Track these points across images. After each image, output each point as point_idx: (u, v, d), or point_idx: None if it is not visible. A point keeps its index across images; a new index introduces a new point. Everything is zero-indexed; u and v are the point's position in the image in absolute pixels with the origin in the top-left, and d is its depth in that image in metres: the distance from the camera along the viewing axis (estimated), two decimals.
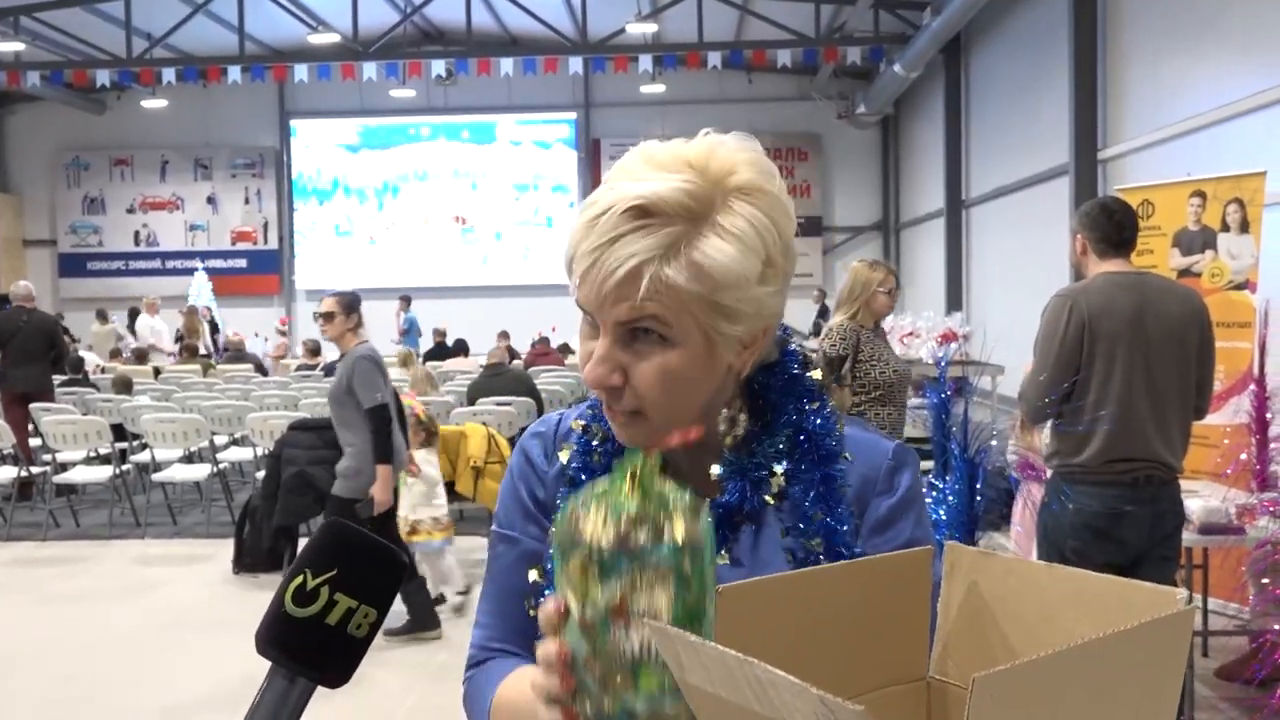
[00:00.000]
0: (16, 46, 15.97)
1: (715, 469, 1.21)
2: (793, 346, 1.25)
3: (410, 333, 18.61)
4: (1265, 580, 3.28)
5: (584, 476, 1.22)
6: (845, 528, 1.18)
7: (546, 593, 1.19)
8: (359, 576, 0.90)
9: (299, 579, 0.89)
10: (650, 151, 1.12)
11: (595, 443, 1.25)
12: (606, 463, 1.22)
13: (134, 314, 19.49)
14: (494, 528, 1.33)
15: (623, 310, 1.09)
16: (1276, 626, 3.29)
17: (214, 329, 18.70)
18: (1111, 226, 3.83)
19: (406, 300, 19.47)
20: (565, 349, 15.21)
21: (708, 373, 1.15)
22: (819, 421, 1.21)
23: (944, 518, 3.58)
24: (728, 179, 1.10)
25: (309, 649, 0.89)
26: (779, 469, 1.19)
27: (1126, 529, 3.69)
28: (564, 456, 1.26)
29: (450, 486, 7.12)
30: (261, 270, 22.86)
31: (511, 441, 7.73)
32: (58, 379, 10.51)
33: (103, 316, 18.69)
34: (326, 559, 0.90)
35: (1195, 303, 3.88)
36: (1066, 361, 3.72)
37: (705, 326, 1.11)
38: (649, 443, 1.13)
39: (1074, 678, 0.76)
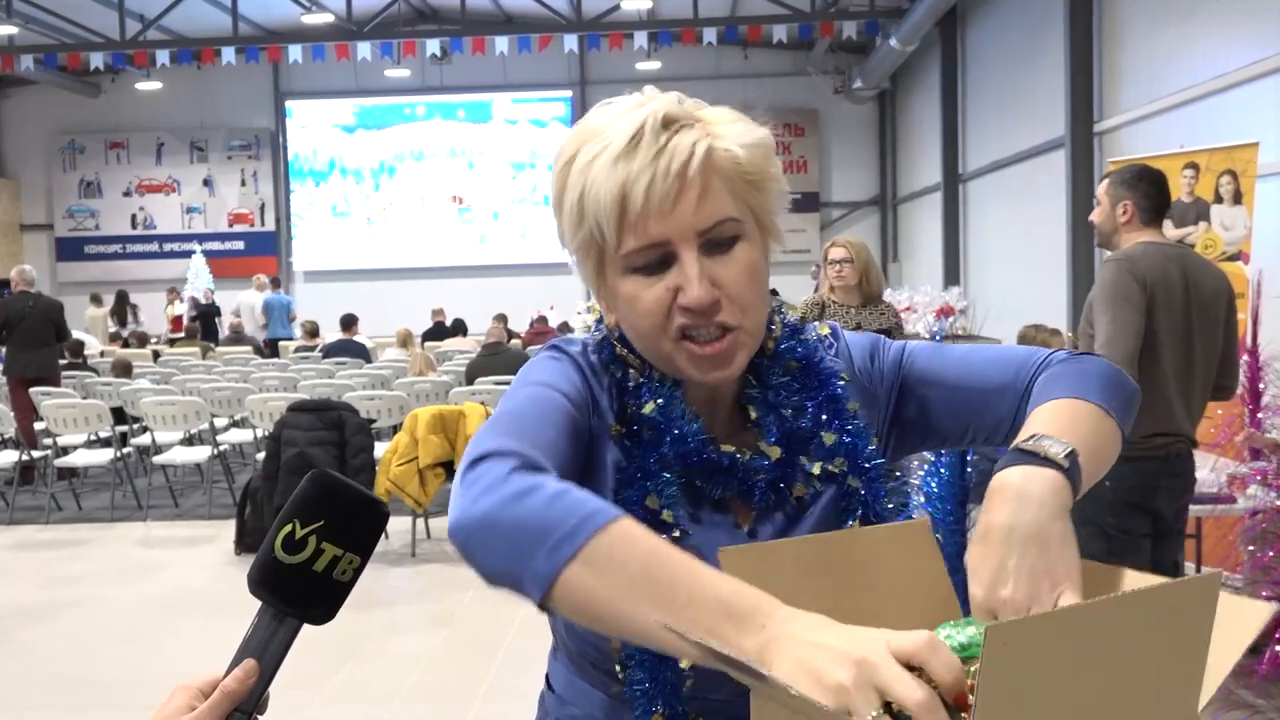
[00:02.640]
0: (10, 30, 15.91)
1: (752, 411, 1.23)
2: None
3: (274, 316, 17.35)
4: (1252, 547, 3.32)
5: (675, 430, 1.17)
6: (865, 444, 1.21)
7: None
8: (344, 526, 0.97)
9: (288, 528, 0.95)
10: (606, 104, 1.15)
11: (648, 413, 1.17)
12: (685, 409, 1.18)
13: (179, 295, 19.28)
14: (535, 381, 1.15)
15: (700, 213, 1.09)
16: (1265, 593, 3.33)
17: (215, 312, 18.70)
18: (1161, 196, 3.82)
19: (274, 282, 18.71)
20: (565, 328, 15.24)
21: (766, 270, 1.17)
22: (808, 345, 1.25)
23: (936, 490, 3.62)
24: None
25: (296, 593, 0.96)
26: (793, 396, 1.22)
27: (1161, 503, 3.70)
28: (648, 409, 1.17)
29: (450, 466, 7.16)
30: (259, 252, 22.83)
31: None
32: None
33: (97, 300, 18.70)
34: (314, 510, 0.96)
35: (1224, 279, 3.88)
36: (1139, 323, 3.63)
37: (754, 209, 1.14)
38: (736, 365, 1.15)
39: (1094, 632, 0.76)
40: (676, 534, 1.13)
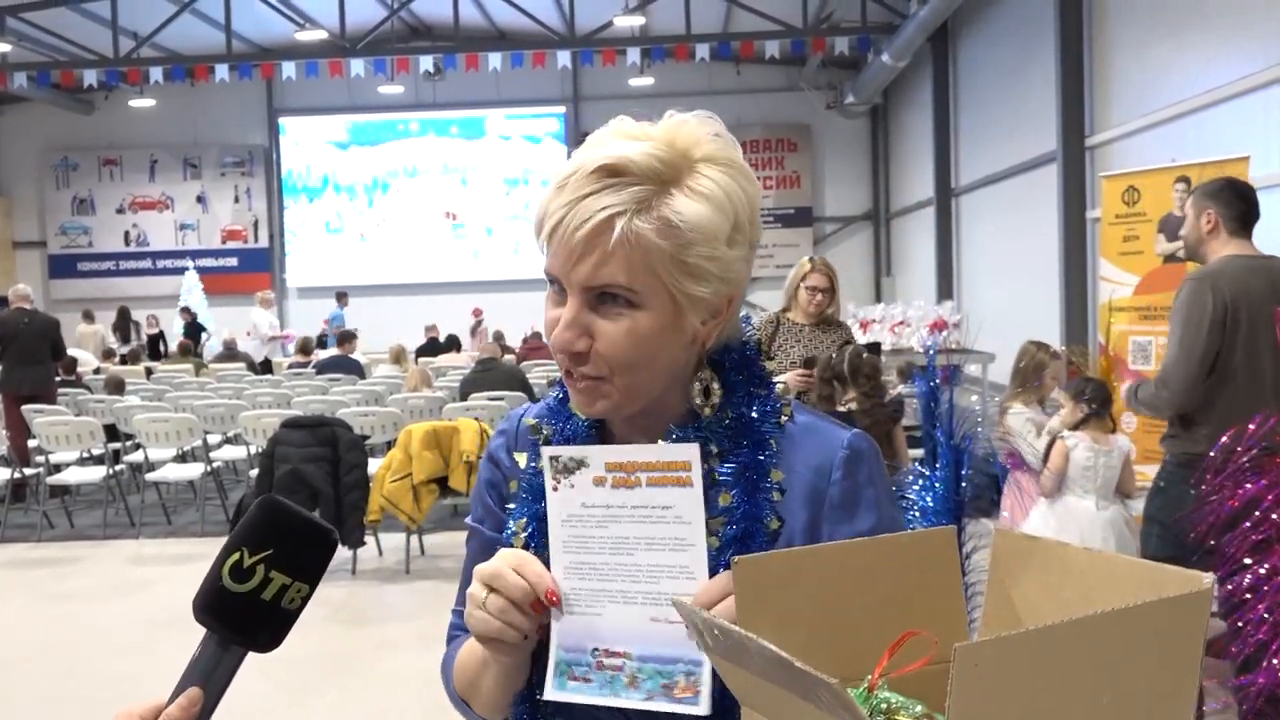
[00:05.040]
0: (3, 47, 15.92)
1: (661, 445, 1.19)
2: (751, 337, 1.26)
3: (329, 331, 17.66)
4: (1249, 561, 3.31)
5: (539, 480, 1.21)
6: (762, 515, 1.16)
7: None
8: (293, 554, 0.96)
9: (235, 555, 0.94)
10: (619, 125, 1.16)
11: (544, 442, 1.25)
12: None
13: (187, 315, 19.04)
14: (466, 520, 1.39)
15: (590, 269, 1.11)
16: (1261, 606, 3.33)
17: (199, 329, 18.65)
18: (1245, 205, 3.77)
19: (340, 297, 18.75)
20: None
21: (673, 339, 1.16)
22: (761, 409, 1.20)
23: (931, 504, 3.60)
24: (694, 149, 1.14)
25: (243, 621, 0.95)
26: (714, 448, 1.18)
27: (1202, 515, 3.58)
28: (521, 460, 1.28)
29: (444, 482, 7.14)
30: (253, 269, 22.81)
31: None
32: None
33: (89, 317, 18.67)
34: (262, 537, 0.95)
35: None
36: (1211, 345, 3.62)
37: (672, 288, 1.13)
38: (605, 413, 1.19)
39: (1071, 651, 0.74)
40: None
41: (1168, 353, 3.75)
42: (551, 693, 1.12)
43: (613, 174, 1.10)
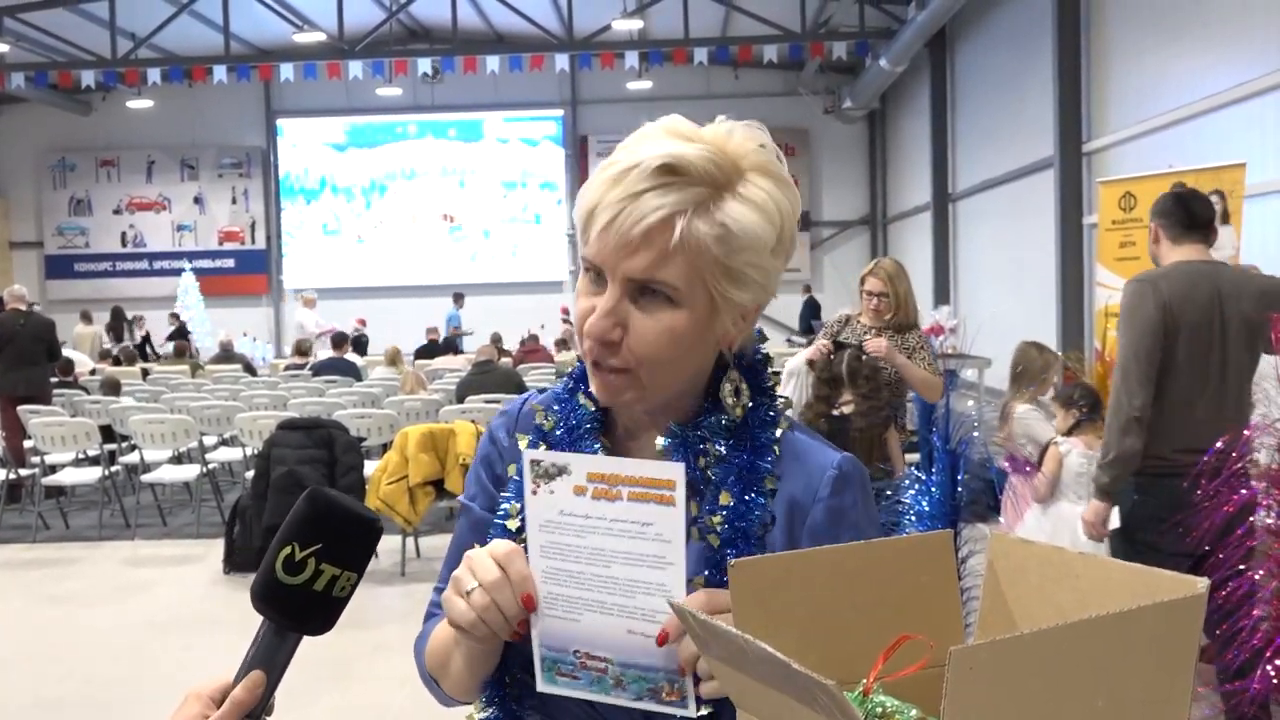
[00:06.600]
0: (1, 48, 15.92)
1: (660, 440, 1.21)
2: (761, 350, 1.27)
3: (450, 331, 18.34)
4: (1242, 567, 3.32)
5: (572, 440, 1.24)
6: (756, 514, 1.17)
7: None
8: (341, 547, 1.02)
9: (287, 550, 1.01)
10: (671, 123, 1.17)
11: (547, 430, 1.27)
12: (562, 450, 1.24)
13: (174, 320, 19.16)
14: (460, 499, 1.40)
15: (644, 264, 1.12)
16: (1257, 612, 3.33)
17: (185, 333, 18.63)
18: (1182, 211, 3.79)
19: (457, 297, 19.31)
20: (562, 344, 15.20)
21: (704, 340, 1.18)
22: (763, 415, 1.22)
23: (927, 509, 3.61)
24: (744, 158, 1.16)
25: (298, 610, 1.02)
26: (717, 447, 1.19)
27: (1195, 521, 3.55)
28: (522, 443, 1.27)
29: (440, 484, 7.14)
30: (249, 270, 22.83)
31: None
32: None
33: (86, 318, 18.66)
34: (311, 531, 1.01)
35: (1274, 295, 3.76)
36: (1152, 347, 3.63)
37: (714, 290, 1.14)
38: (629, 404, 1.19)
39: (1067, 655, 0.75)
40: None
41: (1118, 356, 3.75)
42: (543, 686, 1.14)
43: (671, 173, 1.11)
